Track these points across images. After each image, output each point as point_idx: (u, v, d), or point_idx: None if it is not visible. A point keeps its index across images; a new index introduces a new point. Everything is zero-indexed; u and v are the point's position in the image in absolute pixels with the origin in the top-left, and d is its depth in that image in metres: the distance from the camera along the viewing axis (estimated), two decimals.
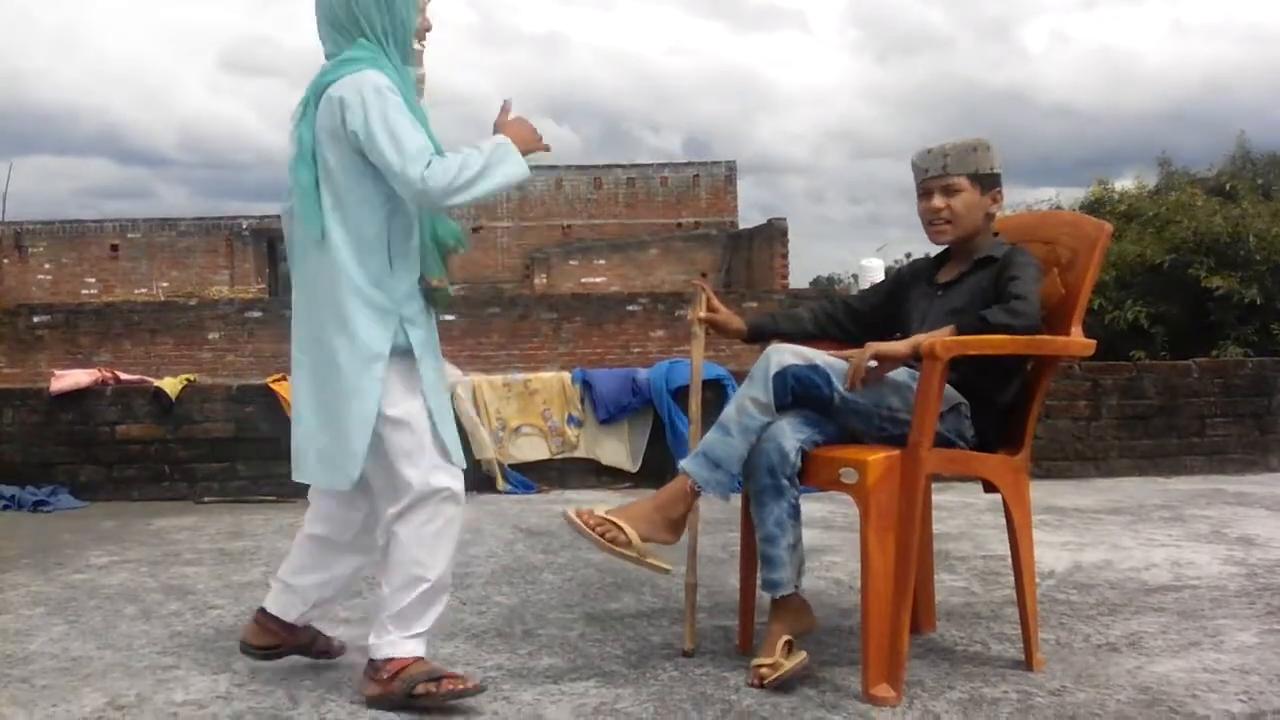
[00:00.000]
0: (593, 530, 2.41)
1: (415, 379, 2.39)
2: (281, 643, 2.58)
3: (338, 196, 2.34)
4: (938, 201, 2.69)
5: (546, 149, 2.45)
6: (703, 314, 2.90)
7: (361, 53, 2.37)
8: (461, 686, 2.33)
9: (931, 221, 2.71)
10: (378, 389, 2.33)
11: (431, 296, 2.46)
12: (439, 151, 2.29)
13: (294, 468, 2.49)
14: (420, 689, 2.31)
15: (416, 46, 2.49)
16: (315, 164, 2.36)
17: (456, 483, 2.41)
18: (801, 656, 2.46)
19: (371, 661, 2.37)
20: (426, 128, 2.33)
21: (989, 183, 2.69)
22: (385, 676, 2.33)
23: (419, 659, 2.37)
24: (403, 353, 2.37)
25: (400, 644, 2.36)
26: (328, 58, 2.44)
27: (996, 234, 2.75)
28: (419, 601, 2.36)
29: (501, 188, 2.34)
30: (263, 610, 2.59)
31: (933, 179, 2.69)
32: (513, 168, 2.34)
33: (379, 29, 2.39)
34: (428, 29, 2.52)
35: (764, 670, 2.44)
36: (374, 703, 2.35)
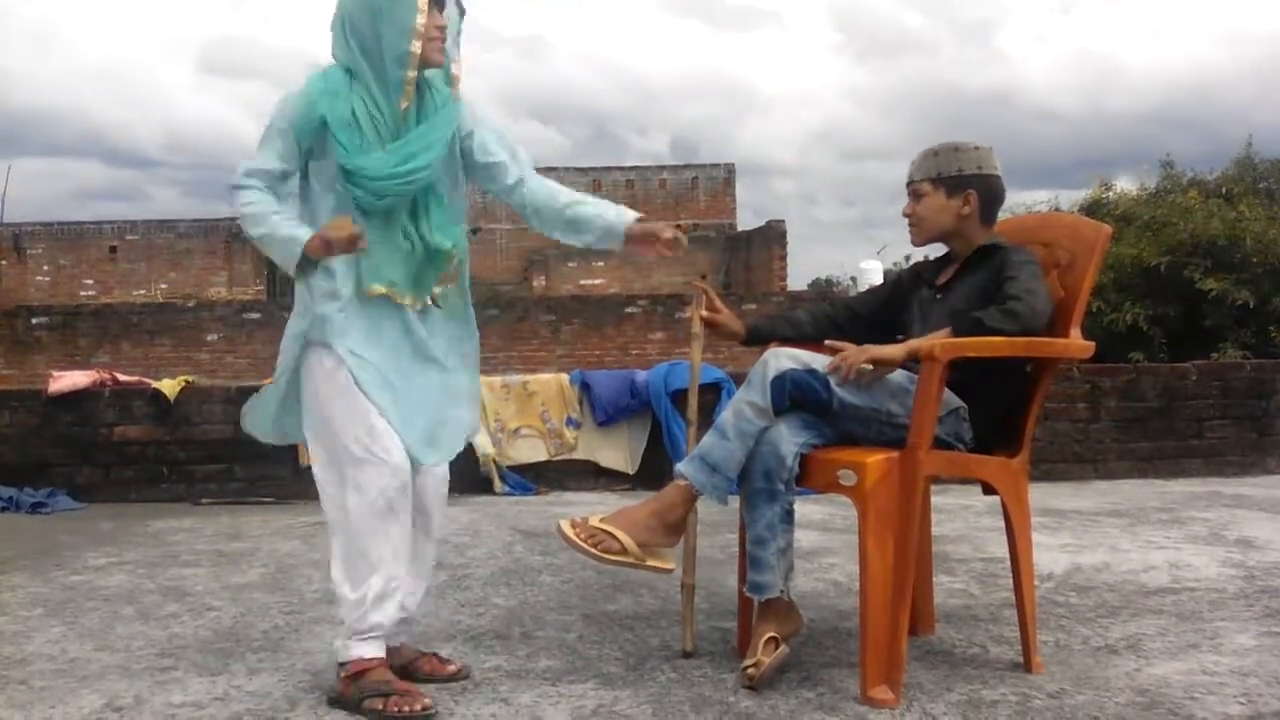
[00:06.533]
0: (586, 543, 2.41)
1: (340, 376, 2.38)
2: None
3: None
4: (907, 207, 2.79)
5: (359, 251, 2.33)
6: (704, 313, 2.90)
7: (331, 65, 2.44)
8: (408, 710, 2.29)
9: (907, 225, 2.81)
10: (288, 365, 2.46)
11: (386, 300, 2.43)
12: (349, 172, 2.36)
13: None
14: (368, 704, 2.31)
15: (407, 74, 2.37)
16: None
17: (368, 473, 2.35)
18: (782, 649, 2.47)
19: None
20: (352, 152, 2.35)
21: (956, 185, 2.69)
22: (345, 675, 2.38)
23: (378, 662, 2.38)
24: (324, 346, 2.39)
25: (354, 646, 2.38)
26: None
27: (995, 235, 2.75)
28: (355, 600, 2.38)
29: (277, 258, 2.38)
30: None
31: (907, 185, 2.79)
32: (282, 257, 2.34)
33: (355, 47, 2.39)
34: (432, 61, 2.41)
35: (751, 671, 2.44)
36: (336, 703, 2.37)
